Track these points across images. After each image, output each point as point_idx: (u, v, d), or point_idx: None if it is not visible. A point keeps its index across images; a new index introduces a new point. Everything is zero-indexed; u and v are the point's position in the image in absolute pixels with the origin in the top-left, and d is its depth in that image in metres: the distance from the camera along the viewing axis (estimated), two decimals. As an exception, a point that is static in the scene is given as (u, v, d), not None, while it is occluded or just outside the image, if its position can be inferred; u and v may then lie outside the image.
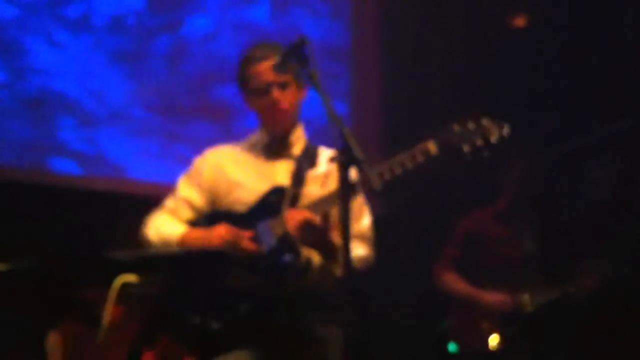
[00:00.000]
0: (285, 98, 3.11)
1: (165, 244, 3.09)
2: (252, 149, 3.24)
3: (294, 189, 3.08)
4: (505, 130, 2.83)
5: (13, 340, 2.92)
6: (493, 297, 4.30)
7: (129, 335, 2.77)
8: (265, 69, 3.10)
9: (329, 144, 3.12)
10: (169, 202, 3.23)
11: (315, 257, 3.01)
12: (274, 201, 3.05)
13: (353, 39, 5.39)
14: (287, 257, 2.94)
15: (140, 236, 3.18)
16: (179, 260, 2.91)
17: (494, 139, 2.83)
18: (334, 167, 2.93)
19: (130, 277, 2.51)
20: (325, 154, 3.19)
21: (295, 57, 2.74)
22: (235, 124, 4.77)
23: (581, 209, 4.91)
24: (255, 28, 5.04)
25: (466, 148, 2.86)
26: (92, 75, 4.70)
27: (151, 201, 3.31)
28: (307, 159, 3.17)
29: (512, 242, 4.40)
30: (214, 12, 5.00)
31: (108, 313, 2.47)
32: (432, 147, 2.87)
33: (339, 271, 2.90)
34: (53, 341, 2.93)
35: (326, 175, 3.11)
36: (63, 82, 4.63)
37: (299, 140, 3.23)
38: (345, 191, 2.47)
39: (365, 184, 2.79)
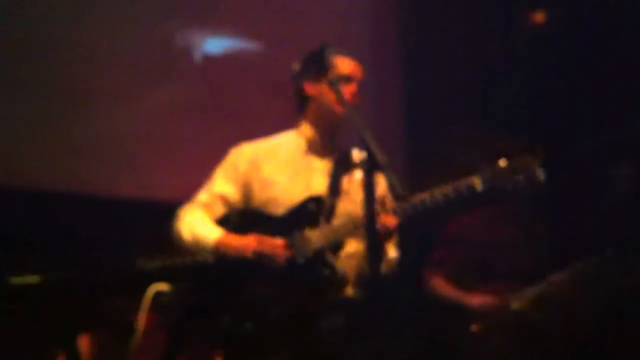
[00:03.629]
0: (357, 97, 3.11)
1: (198, 246, 3.05)
2: (291, 145, 3.23)
3: (331, 200, 3.08)
4: (542, 180, 2.85)
5: (44, 347, 2.99)
6: (477, 300, 4.27)
7: (158, 343, 2.82)
8: (354, 64, 3.13)
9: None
10: (203, 196, 3.18)
11: (350, 271, 3.01)
12: (313, 211, 3.05)
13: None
14: (324, 271, 2.96)
15: (173, 230, 3.12)
16: (208, 270, 2.95)
17: (538, 180, 2.84)
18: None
19: (163, 286, 2.56)
20: (357, 156, 3.18)
21: (316, 64, 2.78)
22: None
23: (603, 210, 4.89)
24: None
25: (509, 187, 2.87)
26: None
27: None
28: (342, 165, 3.16)
29: (521, 244, 4.36)
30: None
31: (142, 321, 2.50)
32: (477, 183, 2.87)
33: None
34: (83, 344, 3.00)
35: (358, 184, 3.04)
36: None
37: (337, 145, 3.20)
38: (370, 196, 2.50)
39: (390, 189, 2.80)
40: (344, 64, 3.11)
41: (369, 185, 2.49)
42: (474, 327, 4.19)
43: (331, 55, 3.09)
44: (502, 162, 2.87)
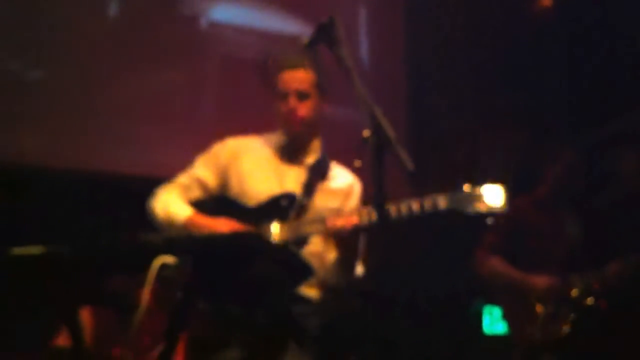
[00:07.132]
0: (302, 108, 3.22)
1: (170, 222, 3.19)
2: (270, 146, 3.35)
3: (304, 199, 3.19)
4: (503, 206, 3.03)
5: (46, 320, 2.96)
6: (542, 280, 4.26)
7: (161, 322, 2.78)
8: (289, 78, 3.25)
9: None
10: (183, 179, 3.32)
11: (316, 263, 3.04)
12: (284, 206, 3.15)
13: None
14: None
15: (147, 207, 3.28)
16: (210, 243, 2.93)
17: (495, 209, 3.02)
18: (345, 188, 3.29)
19: (168, 259, 2.52)
20: (336, 171, 3.35)
21: (324, 37, 2.77)
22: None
23: (610, 198, 4.88)
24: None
25: (469, 210, 3.03)
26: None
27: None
28: (319, 171, 3.29)
29: (553, 232, 4.36)
30: None
31: (146, 294, 2.47)
32: (442, 202, 3.03)
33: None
34: (85, 318, 2.98)
35: (336, 193, 3.28)
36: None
37: (314, 151, 3.35)
38: (379, 173, 2.47)
39: (398, 164, 2.78)
40: (281, 82, 3.26)
41: (378, 162, 2.47)
42: (537, 309, 4.16)
43: (275, 72, 3.28)
44: (467, 188, 3.05)
